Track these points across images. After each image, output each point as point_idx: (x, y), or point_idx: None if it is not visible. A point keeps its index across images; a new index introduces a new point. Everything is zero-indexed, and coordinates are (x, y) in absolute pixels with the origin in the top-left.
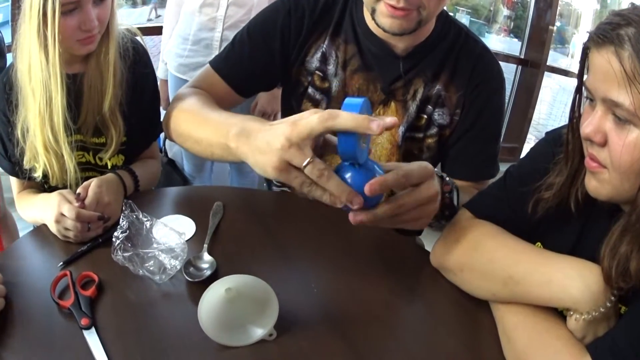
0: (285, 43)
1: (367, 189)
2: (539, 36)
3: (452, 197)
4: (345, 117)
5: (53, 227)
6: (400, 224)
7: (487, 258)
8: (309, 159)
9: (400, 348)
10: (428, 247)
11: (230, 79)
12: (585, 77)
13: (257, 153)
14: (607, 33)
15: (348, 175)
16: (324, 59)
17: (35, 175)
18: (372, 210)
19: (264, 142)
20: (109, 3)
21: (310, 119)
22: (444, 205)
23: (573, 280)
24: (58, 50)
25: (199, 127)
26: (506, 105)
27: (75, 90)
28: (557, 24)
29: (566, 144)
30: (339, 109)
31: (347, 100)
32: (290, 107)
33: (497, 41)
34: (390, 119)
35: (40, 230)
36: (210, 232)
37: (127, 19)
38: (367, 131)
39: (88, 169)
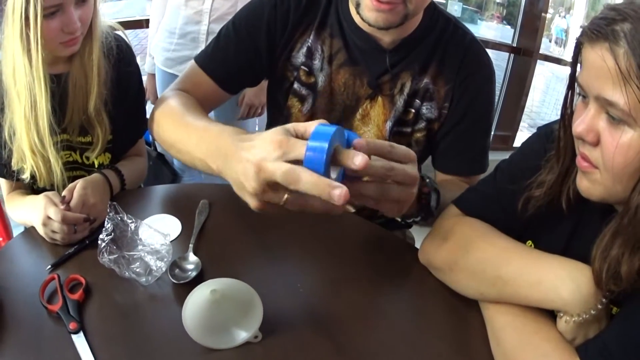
0: (271, 37)
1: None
2: (532, 24)
3: (429, 199)
4: (307, 182)
5: (40, 230)
6: (384, 200)
7: (475, 257)
8: (285, 199)
9: (387, 349)
10: (419, 242)
11: (216, 75)
12: (578, 72)
13: (236, 187)
14: (601, 28)
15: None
16: (310, 54)
17: (24, 176)
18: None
19: (239, 180)
20: (92, 3)
21: (275, 170)
22: (420, 206)
23: (563, 281)
24: (41, 54)
25: (181, 138)
26: (499, 93)
27: (60, 91)
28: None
29: (558, 140)
30: (325, 105)
31: (317, 128)
32: (276, 103)
33: (489, 28)
34: (359, 161)
35: (29, 233)
36: (195, 231)
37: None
38: (330, 200)
39: (75, 168)
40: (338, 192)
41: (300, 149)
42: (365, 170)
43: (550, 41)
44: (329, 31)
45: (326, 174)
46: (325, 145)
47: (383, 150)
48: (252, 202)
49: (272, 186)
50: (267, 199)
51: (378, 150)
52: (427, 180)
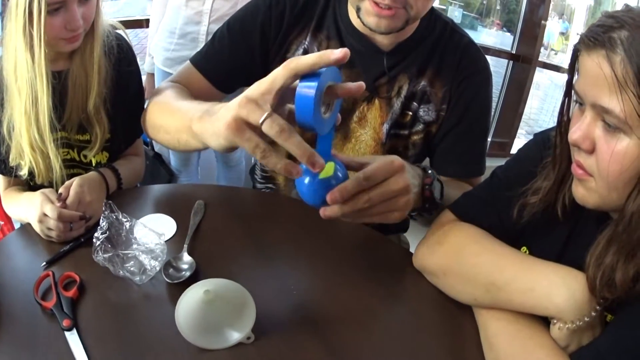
0: (264, 38)
1: (328, 199)
2: (531, 31)
3: (432, 189)
4: (307, 56)
5: (36, 227)
6: (372, 217)
7: (469, 262)
8: (267, 113)
9: (380, 352)
10: (414, 247)
11: (210, 74)
12: (575, 79)
13: (215, 122)
14: (598, 36)
15: (307, 180)
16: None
17: (21, 173)
18: (339, 206)
19: (224, 109)
20: (94, 1)
21: (274, 70)
22: (424, 198)
23: (557, 288)
24: (44, 50)
25: (170, 117)
26: (497, 100)
27: (60, 88)
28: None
29: (554, 147)
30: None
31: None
32: None
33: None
34: (355, 84)
35: (25, 229)
36: (190, 232)
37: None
38: (331, 58)
39: (72, 166)
40: (337, 51)
41: (305, 56)
42: (342, 194)
43: (545, 49)
44: (325, 33)
45: (316, 111)
46: (315, 83)
47: (361, 186)
48: (226, 117)
49: (258, 100)
50: (247, 114)
51: (355, 191)
52: (430, 171)
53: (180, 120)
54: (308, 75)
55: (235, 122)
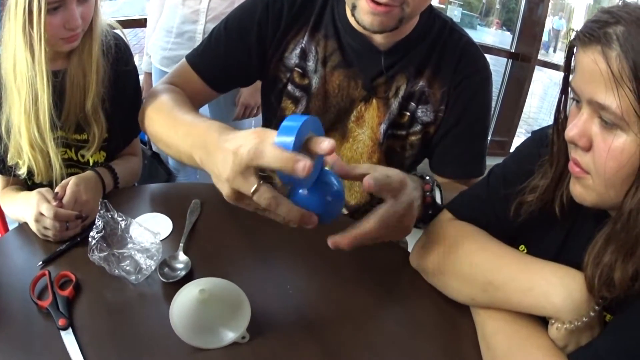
0: (261, 38)
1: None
2: (531, 30)
3: (434, 195)
4: (270, 157)
5: (33, 226)
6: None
7: (467, 262)
8: (254, 187)
9: (377, 353)
10: (412, 246)
11: (205, 74)
12: (571, 76)
13: (214, 178)
14: (593, 31)
15: (304, 193)
16: (304, 55)
17: (20, 172)
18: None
19: (217, 169)
20: (93, 2)
21: (243, 152)
22: (426, 204)
23: (555, 288)
24: (44, 48)
25: (169, 132)
26: (496, 98)
27: (58, 87)
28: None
29: (551, 145)
30: (319, 106)
31: (284, 123)
32: (270, 104)
33: (489, 34)
34: (326, 144)
35: (22, 229)
36: (186, 231)
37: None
38: (294, 173)
39: (70, 166)
40: (302, 164)
41: (262, 145)
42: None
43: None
44: (323, 32)
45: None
46: (297, 124)
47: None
48: (225, 189)
49: (243, 173)
50: (238, 187)
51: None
52: (427, 177)
53: (181, 143)
54: (284, 130)
55: (234, 195)
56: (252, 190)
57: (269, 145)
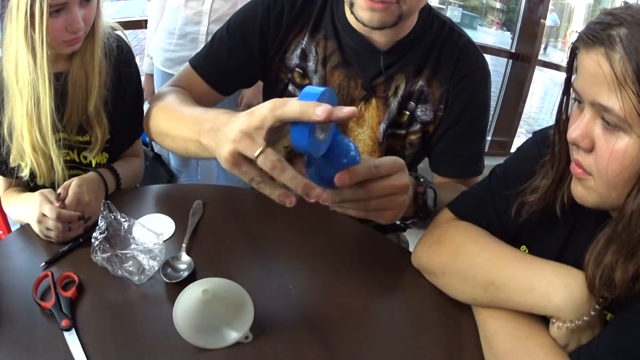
0: (264, 40)
1: (336, 179)
2: (531, 30)
3: (426, 198)
4: (292, 105)
5: (35, 227)
6: (368, 211)
7: (468, 262)
8: (260, 149)
9: (379, 352)
10: (413, 245)
11: (209, 77)
12: (573, 77)
13: (218, 146)
14: (597, 33)
15: (318, 163)
16: (304, 56)
17: (23, 174)
18: (338, 190)
19: (223, 134)
20: (95, 4)
21: (263, 108)
22: (417, 206)
23: (556, 287)
24: (46, 51)
25: (176, 125)
26: (497, 99)
27: (60, 90)
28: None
29: (552, 146)
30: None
31: (306, 89)
32: None
33: (489, 34)
34: (348, 109)
35: (24, 230)
36: (189, 232)
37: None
38: (312, 118)
39: (72, 167)
40: (322, 107)
41: (286, 98)
42: (352, 176)
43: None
44: (323, 33)
45: (311, 138)
46: (318, 91)
47: (370, 172)
48: (225, 151)
49: (252, 134)
50: (242, 148)
51: (363, 176)
52: (422, 179)
53: (188, 131)
54: (305, 95)
55: (232, 156)
56: (258, 151)
57: (290, 100)
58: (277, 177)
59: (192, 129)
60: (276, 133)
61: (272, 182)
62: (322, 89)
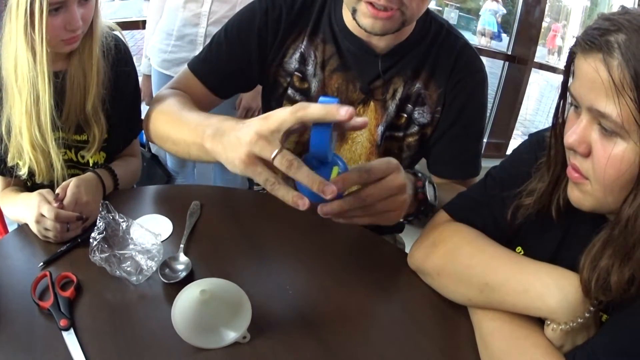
0: (261, 44)
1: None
2: (527, 32)
3: (425, 191)
4: (316, 107)
5: (34, 227)
6: (371, 217)
7: (464, 263)
8: (277, 150)
9: (375, 352)
10: (409, 247)
11: (207, 81)
12: (570, 82)
13: (228, 149)
14: (595, 39)
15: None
16: (303, 60)
17: (21, 173)
18: (339, 201)
19: (235, 137)
20: (93, 3)
21: (282, 112)
22: (418, 201)
23: (550, 289)
24: (46, 49)
25: (177, 128)
26: (493, 101)
27: (58, 88)
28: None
29: (549, 149)
30: None
31: (321, 98)
32: (270, 108)
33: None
34: (361, 119)
35: (22, 230)
36: (186, 232)
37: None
38: (336, 117)
39: (70, 167)
40: (345, 108)
41: (306, 102)
42: (345, 181)
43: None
44: (321, 37)
45: (329, 144)
46: (334, 100)
47: (362, 178)
48: (240, 154)
49: (268, 137)
50: (259, 150)
51: (356, 181)
52: (420, 174)
53: (190, 135)
54: (325, 101)
55: (248, 158)
56: (275, 152)
57: (311, 103)
58: (293, 174)
59: (195, 133)
60: (287, 138)
61: (286, 185)
62: (335, 100)
